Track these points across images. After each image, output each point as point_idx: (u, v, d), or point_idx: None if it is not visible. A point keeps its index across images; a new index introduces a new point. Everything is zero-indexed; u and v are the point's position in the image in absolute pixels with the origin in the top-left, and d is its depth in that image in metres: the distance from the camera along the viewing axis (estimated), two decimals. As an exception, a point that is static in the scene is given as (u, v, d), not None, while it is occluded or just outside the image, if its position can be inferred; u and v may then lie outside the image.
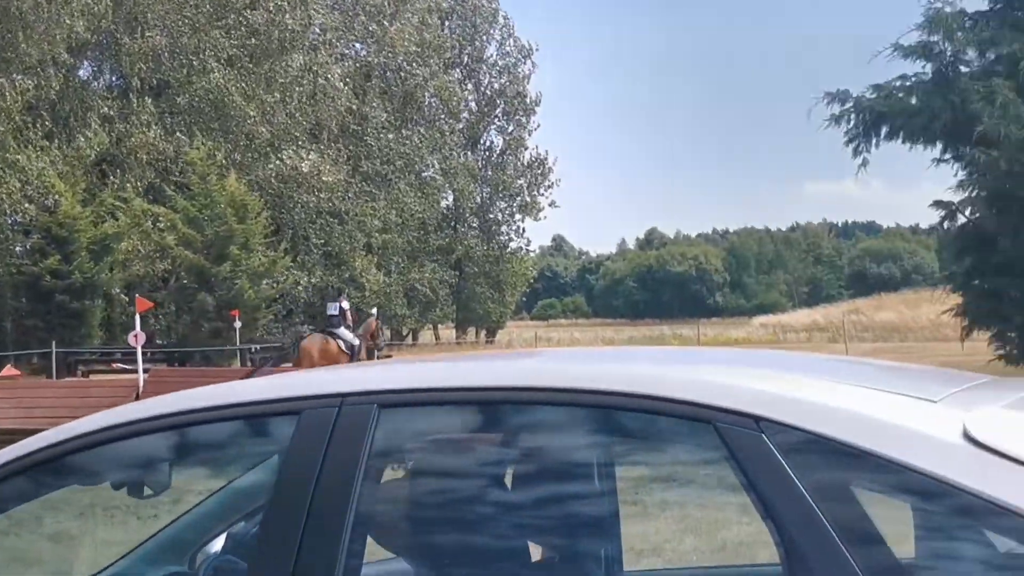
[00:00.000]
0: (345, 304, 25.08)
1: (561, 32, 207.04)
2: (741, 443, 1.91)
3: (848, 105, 14.34)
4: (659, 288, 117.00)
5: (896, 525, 1.98)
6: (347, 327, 24.14)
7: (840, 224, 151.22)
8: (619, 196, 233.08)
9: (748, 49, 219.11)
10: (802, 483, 1.83)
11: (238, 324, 30.42)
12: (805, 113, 14.48)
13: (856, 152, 14.57)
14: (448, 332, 74.34)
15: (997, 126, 12.74)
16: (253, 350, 30.54)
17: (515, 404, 2.22)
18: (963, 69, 14.23)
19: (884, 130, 14.54)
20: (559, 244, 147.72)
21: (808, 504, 1.81)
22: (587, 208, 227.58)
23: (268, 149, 41.62)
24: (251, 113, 39.43)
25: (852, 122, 14.39)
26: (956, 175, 14.37)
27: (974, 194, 13.91)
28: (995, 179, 13.23)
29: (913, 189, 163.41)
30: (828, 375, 2.30)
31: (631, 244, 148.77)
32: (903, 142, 14.38)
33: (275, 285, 37.77)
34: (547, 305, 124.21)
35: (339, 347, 23.19)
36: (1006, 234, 13.74)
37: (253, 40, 40.65)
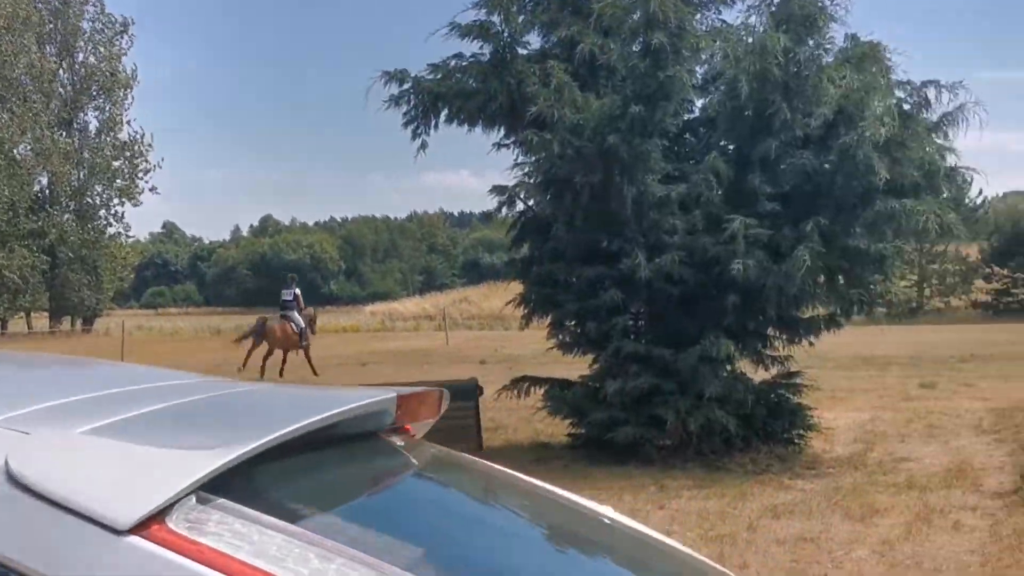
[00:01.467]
0: (297, 291, 29.32)
1: (176, 16, 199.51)
2: None
3: (407, 86, 13.72)
4: (274, 276, 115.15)
5: None
6: (299, 311, 28.64)
7: (456, 213, 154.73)
8: (234, 183, 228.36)
9: (348, 38, 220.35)
10: None
11: None
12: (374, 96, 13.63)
13: (415, 135, 13.99)
14: (43, 321, 69.79)
15: (551, 108, 12.52)
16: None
17: None
18: (521, 52, 13.97)
19: (444, 112, 14.03)
20: (170, 231, 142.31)
21: None
22: (200, 194, 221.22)
23: None
24: None
25: (412, 103, 13.79)
26: (518, 159, 14.05)
27: (530, 179, 13.69)
28: (549, 163, 13.02)
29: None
30: None
31: (245, 231, 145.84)
32: (460, 124, 13.94)
33: None
34: (156, 293, 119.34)
35: (292, 329, 28.10)
36: (561, 219, 13.59)
37: None
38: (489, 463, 2.67)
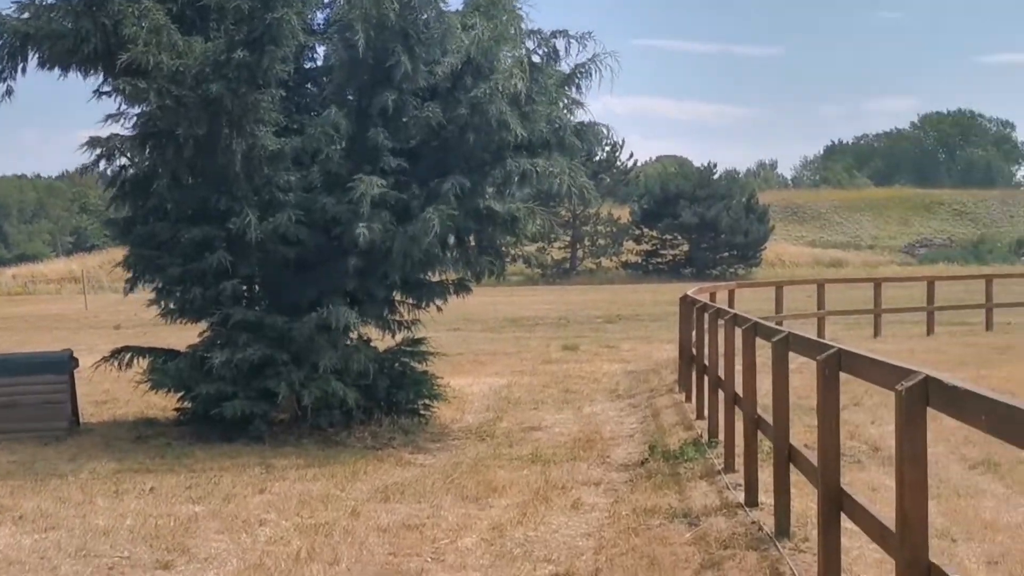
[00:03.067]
0: None
1: None
2: None
3: (-4, 27, 11.78)
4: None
5: None
6: None
7: (111, 172, 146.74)
8: None
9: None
10: None
11: None
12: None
13: (0, 79, 12.06)
14: None
15: (147, 54, 10.99)
16: None
17: None
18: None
19: (35, 56, 12.17)
20: None
21: None
22: None
23: None
24: None
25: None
26: (121, 108, 12.39)
27: (129, 130, 12.11)
28: (148, 115, 11.53)
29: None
30: None
31: None
32: (50, 69, 12.13)
33: None
34: None
35: None
36: (163, 175, 12.12)
37: None
38: None
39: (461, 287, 13.44)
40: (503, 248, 13.83)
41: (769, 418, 7.47)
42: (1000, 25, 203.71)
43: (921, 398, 4.28)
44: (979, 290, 28.76)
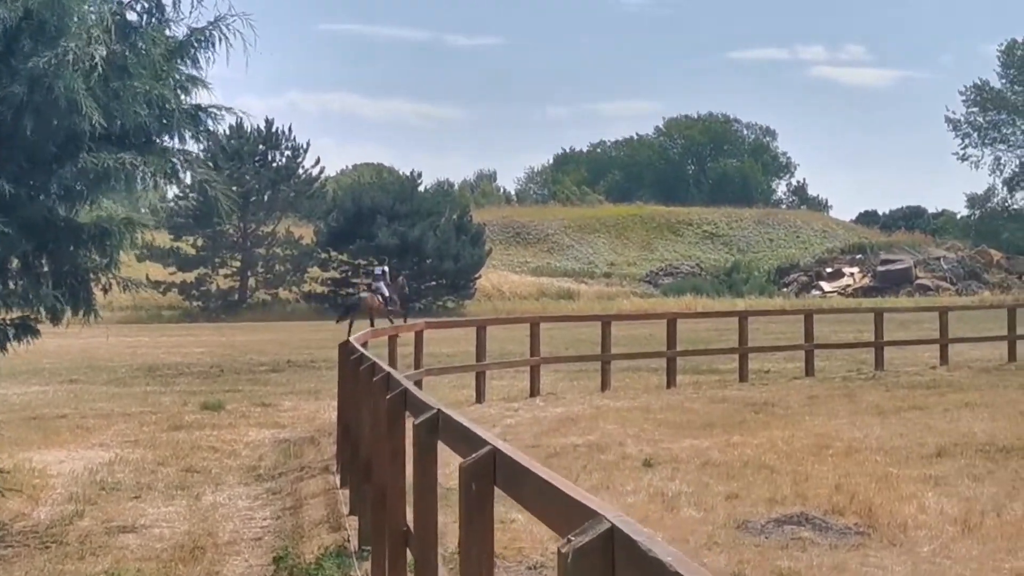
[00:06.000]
0: (386, 267, 46.52)
1: None
2: None
3: None
4: None
5: None
6: (387, 284, 43.87)
7: None
8: None
9: None
10: None
11: None
12: None
13: None
14: None
15: None
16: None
17: None
18: None
19: None
20: None
21: None
22: None
23: None
24: None
25: None
26: None
27: None
28: None
29: None
30: None
31: None
32: None
33: None
34: None
35: (380, 300, 42.22)
36: None
37: None
38: None
39: (26, 330, 11.85)
40: (93, 274, 12.34)
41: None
42: (756, 17, 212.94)
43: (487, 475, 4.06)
44: (732, 329, 29.10)
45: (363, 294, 43.88)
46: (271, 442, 17.42)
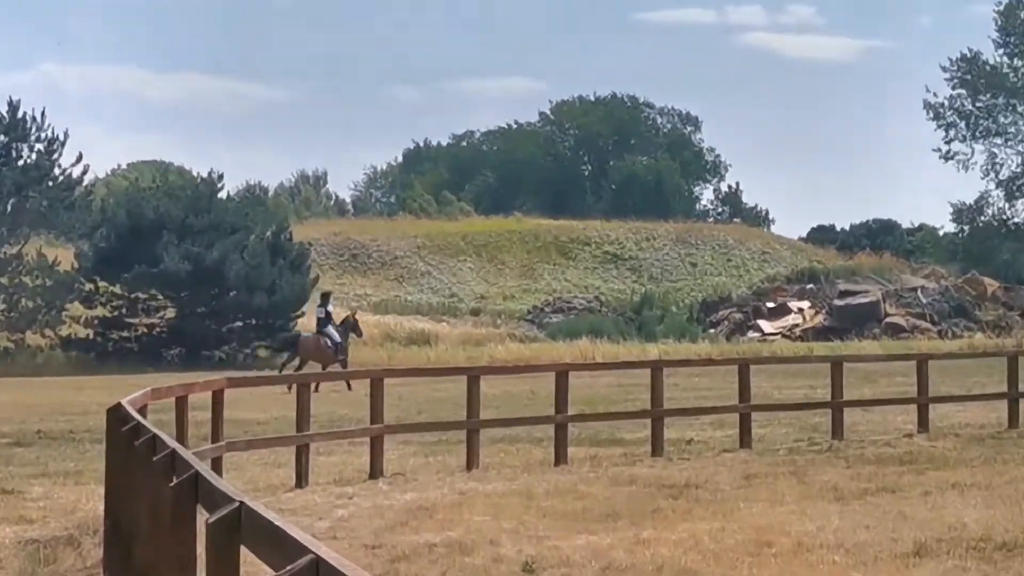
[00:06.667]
0: (331, 308, 50.28)
1: None
2: None
3: None
4: None
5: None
6: (333, 327, 48.81)
7: None
8: None
9: None
10: None
11: None
12: None
13: None
14: None
15: None
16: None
17: None
18: None
19: None
20: None
21: None
22: None
23: None
24: None
25: None
26: None
27: None
28: None
29: None
30: None
31: None
32: None
33: None
34: None
35: (329, 345, 47.56)
36: None
37: None
38: None
39: None
40: None
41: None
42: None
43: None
44: (643, 385, 29.27)
45: (304, 333, 50.73)
46: (14, 544, 17.18)
